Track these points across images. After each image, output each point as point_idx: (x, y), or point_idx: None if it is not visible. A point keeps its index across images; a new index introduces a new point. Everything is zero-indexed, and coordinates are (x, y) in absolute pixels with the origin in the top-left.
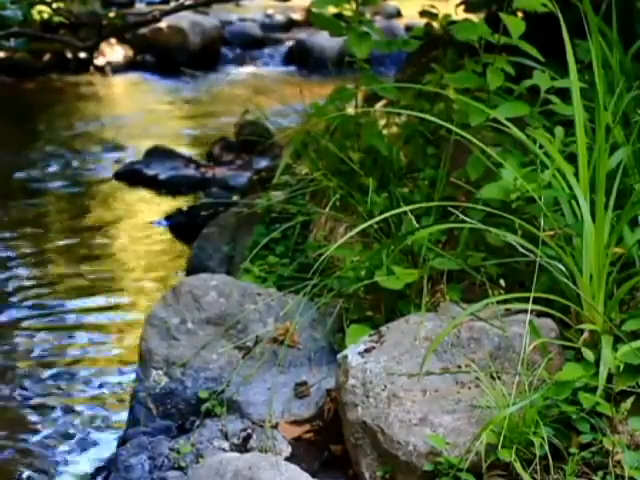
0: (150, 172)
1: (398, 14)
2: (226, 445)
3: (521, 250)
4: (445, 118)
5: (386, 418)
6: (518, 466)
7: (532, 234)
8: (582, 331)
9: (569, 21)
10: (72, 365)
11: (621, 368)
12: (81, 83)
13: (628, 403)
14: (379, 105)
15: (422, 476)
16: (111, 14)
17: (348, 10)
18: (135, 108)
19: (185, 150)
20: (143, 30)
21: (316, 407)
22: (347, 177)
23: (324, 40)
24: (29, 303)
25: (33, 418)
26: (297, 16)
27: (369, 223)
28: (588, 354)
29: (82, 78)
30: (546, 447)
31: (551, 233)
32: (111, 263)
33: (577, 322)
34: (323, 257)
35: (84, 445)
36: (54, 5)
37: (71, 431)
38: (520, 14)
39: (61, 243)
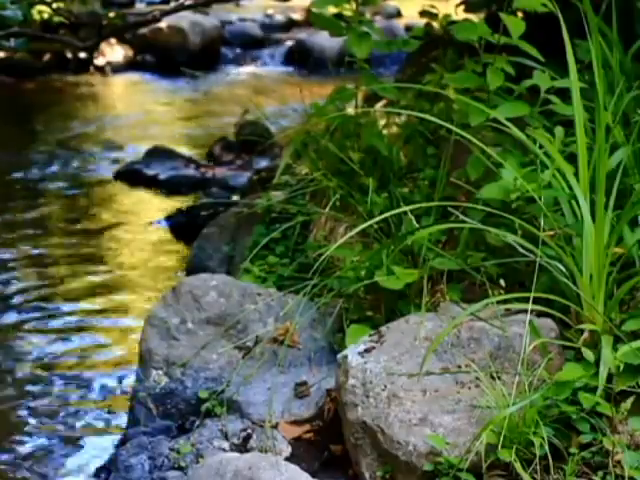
0: (150, 172)
1: (398, 14)
2: (226, 445)
3: (521, 250)
4: (445, 118)
5: (386, 418)
6: (518, 466)
7: (532, 234)
8: (582, 331)
9: (569, 21)
10: (72, 365)
11: (621, 368)
12: (81, 83)
13: (628, 403)
14: (379, 105)
15: (422, 476)
16: (111, 14)
17: (348, 10)
18: (135, 108)
19: (185, 150)
20: (143, 30)
21: (316, 407)
22: (347, 177)
23: (324, 40)
24: (29, 303)
25: (33, 418)
26: (297, 16)
27: (369, 223)
28: (588, 354)
29: (82, 78)
30: (546, 447)
31: (551, 233)
32: (111, 263)
33: (577, 322)
34: (323, 257)
35: (84, 445)
36: (54, 5)
37: (71, 431)
38: (520, 14)
39: (61, 243)
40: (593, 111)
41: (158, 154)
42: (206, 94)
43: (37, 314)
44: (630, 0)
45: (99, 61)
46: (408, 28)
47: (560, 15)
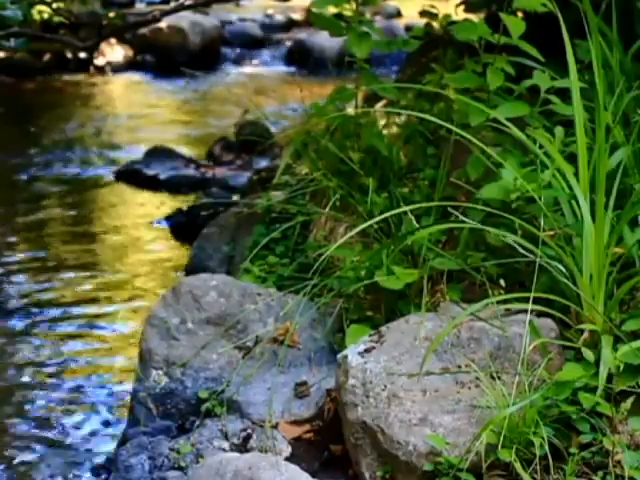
0: (150, 172)
1: (398, 14)
2: (226, 445)
3: (521, 250)
4: (445, 118)
5: (386, 418)
6: (518, 466)
7: (532, 234)
8: (582, 331)
9: (569, 21)
10: (72, 365)
11: (621, 368)
12: (81, 83)
13: (628, 403)
14: (379, 105)
15: (422, 476)
16: (111, 14)
17: (348, 10)
18: (135, 108)
19: (185, 150)
20: (143, 30)
21: (316, 407)
22: (347, 177)
23: (324, 40)
24: (29, 303)
25: (34, 418)
26: (297, 16)
27: (369, 223)
28: (588, 354)
29: (82, 78)
30: (546, 447)
31: (551, 233)
32: (111, 263)
33: (577, 322)
34: (323, 257)
35: (84, 445)
36: (54, 5)
37: (71, 431)
38: (520, 14)
39: (61, 243)
40: (593, 111)
41: (158, 154)
42: (206, 94)
43: (36, 313)
44: (630, 0)
45: (99, 61)
46: (408, 28)
47: (560, 15)
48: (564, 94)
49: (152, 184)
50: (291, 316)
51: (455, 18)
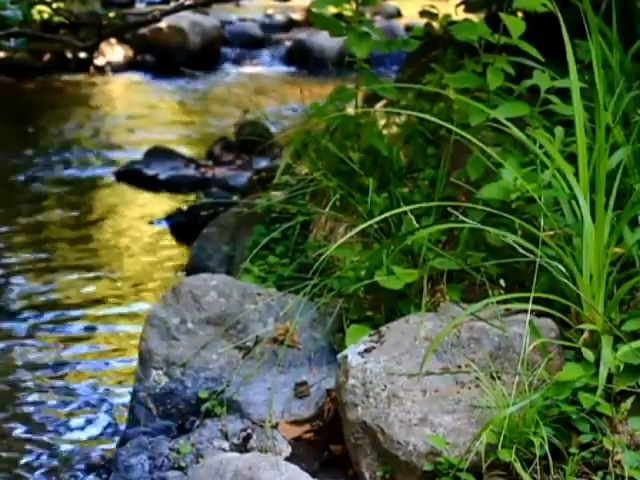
0: (150, 172)
1: (398, 14)
2: (226, 445)
3: (521, 250)
4: (445, 118)
5: (386, 418)
6: (518, 466)
7: (532, 234)
8: (582, 331)
9: (569, 21)
10: (71, 364)
11: (621, 368)
12: (81, 83)
13: (628, 403)
14: (379, 105)
15: (422, 476)
16: (111, 14)
17: (348, 10)
18: (135, 108)
19: (185, 150)
20: (143, 30)
21: (316, 407)
22: (347, 177)
23: (324, 40)
24: (29, 303)
25: (33, 419)
26: (297, 16)
27: (369, 223)
28: (588, 354)
29: (82, 78)
30: (546, 447)
31: (551, 233)
32: (110, 263)
33: (577, 322)
34: (323, 257)
35: (84, 445)
36: (54, 5)
37: (70, 431)
38: (520, 14)
39: (61, 243)
40: (593, 111)
41: (158, 154)
42: (206, 94)
43: (36, 313)
44: (630, 0)
45: (99, 61)
46: (408, 28)
47: (560, 15)
48: (564, 94)
49: (152, 184)
50: (291, 316)
51: (455, 18)
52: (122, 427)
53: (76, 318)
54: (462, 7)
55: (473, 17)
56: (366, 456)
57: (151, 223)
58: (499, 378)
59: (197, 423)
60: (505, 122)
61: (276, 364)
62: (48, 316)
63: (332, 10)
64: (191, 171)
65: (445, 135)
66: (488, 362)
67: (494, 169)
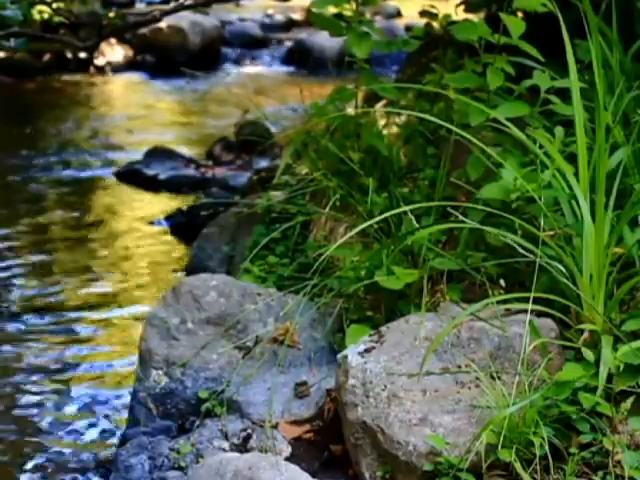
0: (150, 172)
1: (398, 14)
2: (226, 445)
3: (521, 250)
4: (445, 118)
5: (386, 418)
6: (518, 466)
7: (532, 234)
8: (582, 331)
9: (569, 21)
10: (71, 364)
11: (621, 368)
12: (81, 83)
13: (628, 403)
14: (379, 105)
15: (422, 476)
16: (111, 14)
17: (348, 10)
18: (135, 108)
19: (185, 150)
20: (143, 30)
21: (316, 407)
22: (347, 177)
23: (324, 40)
24: (27, 303)
25: (33, 419)
26: (297, 16)
27: (369, 223)
28: (588, 354)
29: (82, 78)
30: (546, 447)
31: (551, 233)
32: (110, 263)
33: (577, 322)
34: (323, 257)
35: (84, 445)
36: (54, 5)
37: (70, 431)
38: (520, 14)
39: (60, 243)
40: (593, 111)
41: (158, 154)
42: (206, 94)
43: (36, 313)
44: (630, 0)
45: (99, 61)
46: (408, 28)
47: (560, 15)
48: (564, 94)
49: (152, 184)
50: (291, 316)
51: (455, 18)
52: (122, 427)
53: (75, 318)
54: (462, 7)
55: (473, 17)
56: (366, 456)
57: (151, 223)
58: (499, 378)
59: (197, 423)
60: (505, 122)
61: (276, 364)
62: (48, 316)
63: (332, 10)
64: (191, 171)
65: (445, 135)
66: (488, 362)
67: (494, 169)
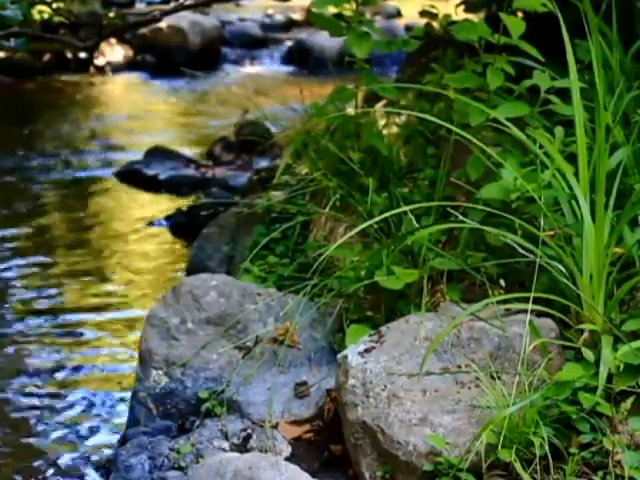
0: (150, 172)
1: (398, 14)
2: (226, 445)
3: (521, 250)
4: (445, 118)
5: (386, 418)
6: (518, 466)
7: (532, 234)
8: (582, 331)
9: (569, 21)
10: (71, 365)
11: (621, 368)
12: (81, 83)
13: (628, 403)
14: (379, 105)
15: (422, 476)
16: (111, 14)
17: (348, 10)
18: (135, 108)
19: (185, 150)
20: (143, 30)
21: (316, 407)
22: (347, 177)
23: (324, 40)
24: (28, 303)
25: (33, 419)
26: (297, 16)
27: (369, 223)
28: (588, 354)
29: (82, 78)
30: (546, 447)
31: (551, 233)
32: (110, 263)
33: (577, 322)
34: (323, 257)
35: (84, 445)
36: (54, 5)
37: (71, 431)
38: (520, 14)
39: (60, 243)
40: (593, 111)
41: (158, 154)
42: (206, 94)
43: (36, 313)
44: (630, 0)
45: (99, 61)
46: (408, 28)
47: (560, 15)
48: (564, 94)
49: (152, 184)
50: (291, 316)
51: (455, 18)
52: (122, 427)
53: (75, 318)
54: (462, 7)
55: (473, 17)
56: (366, 456)
57: (151, 223)
58: (499, 378)
59: (197, 423)
60: (505, 122)
61: (276, 364)
62: (47, 317)
63: (332, 10)
64: (191, 171)
65: (445, 135)
66: (488, 362)
67: (494, 169)
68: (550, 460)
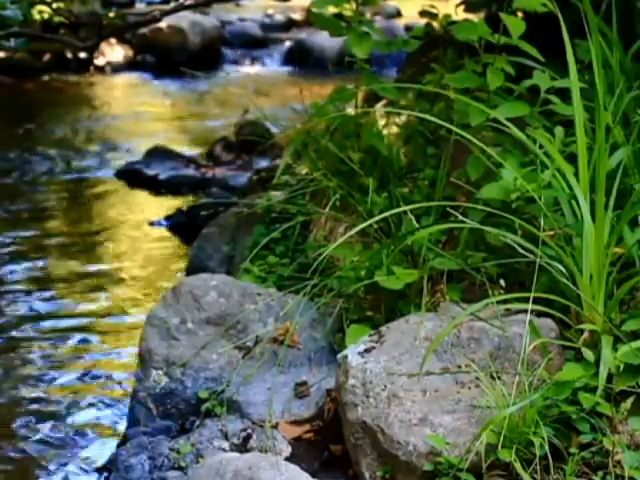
0: (150, 172)
1: (398, 14)
2: (226, 445)
3: (521, 250)
4: (445, 118)
5: (386, 418)
6: (518, 466)
7: (532, 234)
8: (582, 331)
9: (569, 21)
10: (71, 365)
11: (621, 368)
12: (81, 83)
13: (628, 403)
14: (379, 105)
15: (422, 476)
16: (111, 14)
17: (348, 10)
18: (135, 108)
19: (185, 150)
20: (143, 30)
21: (316, 407)
22: (347, 177)
23: (324, 40)
24: (28, 303)
25: (33, 419)
26: (297, 16)
27: (369, 223)
28: (588, 354)
29: (82, 78)
30: (546, 447)
31: (551, 233)
32: (111, 263)
33: (577, 322)
34: (323, 257)
35: (84, 445)
36: (54, 5)
37: (71, 431)
38: (520, 14)
39: (61, 243)
40: (593, 111)
41: (158, 154)
42: (206, 94)
43: (36, 313)
44: (630, 0)
45: (99, 61)
46: (408, 28)
47: (560, 15)
48: (564, 94)
49: (152, 184)
50: (291, 316)
51: (455, 18)
52: (122, 427)
53: (75, 318)
54: (462, 7)
55: (473, 17)
56: (366, 456)
57: (151, 223)
58: (499, 378)
59: (197, 423)
60: (505, 122)
61: (276, 364)
62: (47, 317)
63: (332, 10)
64: (191, 171)
65: (445, 135)
66: (488, 362)
67: (494, 169)
68: (550, 460)
